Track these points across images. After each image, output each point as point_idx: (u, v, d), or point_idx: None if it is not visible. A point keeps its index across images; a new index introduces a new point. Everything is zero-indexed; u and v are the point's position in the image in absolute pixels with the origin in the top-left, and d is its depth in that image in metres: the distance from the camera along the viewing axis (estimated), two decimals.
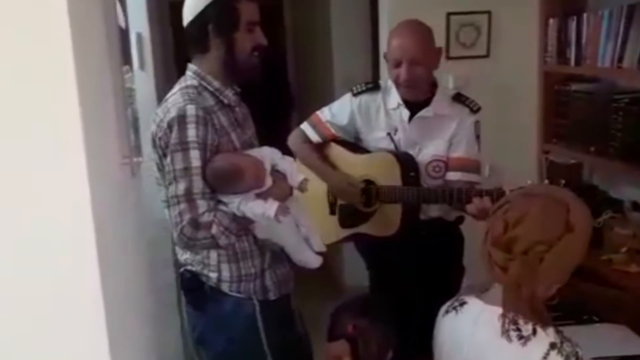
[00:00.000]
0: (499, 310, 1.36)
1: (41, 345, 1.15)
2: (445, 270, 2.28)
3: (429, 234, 2.21)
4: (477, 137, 2.20)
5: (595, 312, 2.13)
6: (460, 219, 2.33)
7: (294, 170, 1.76)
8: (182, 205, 1.62)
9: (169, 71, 2.96)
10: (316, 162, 2.30)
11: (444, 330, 1.50)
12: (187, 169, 1.63)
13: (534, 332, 1.32)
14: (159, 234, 2.74)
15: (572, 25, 2.73)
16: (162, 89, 2.73)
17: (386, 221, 2.21)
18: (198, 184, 1.63)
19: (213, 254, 1.75)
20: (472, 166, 2.19)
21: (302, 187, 1.76)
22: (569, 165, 2.81)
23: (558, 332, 1.34)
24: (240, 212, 1.66)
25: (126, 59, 1.96)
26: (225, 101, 1.76)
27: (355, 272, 2.80)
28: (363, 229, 2.28)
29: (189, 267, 1.81)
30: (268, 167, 1.72)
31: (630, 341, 1.99)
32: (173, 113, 1.64)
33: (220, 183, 1.65)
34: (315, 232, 1.86)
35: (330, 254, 1.94)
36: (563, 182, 1.90)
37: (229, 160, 1.65)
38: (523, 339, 1.32)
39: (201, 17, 1.71)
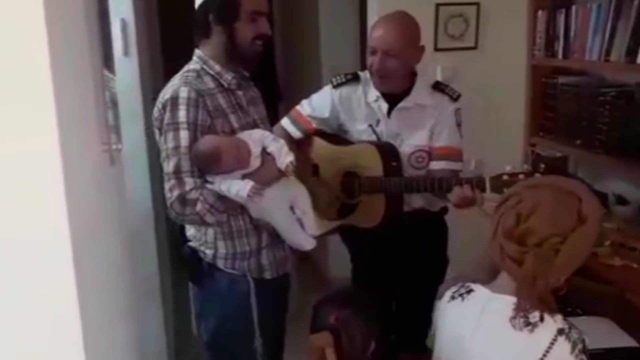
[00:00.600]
0: (506, 298, 1.37)
1: (12, 345, 1.11)
2: (429, 262, 2.28)
3: (412, 226, 2.19)
4: (459, 124, 2.19)
5: (579, 305, 2.13)
6: (445, 210, 2.32)
7: (283, 152, 1.78)
8: (172, 182, 1.70)
9: (155, 58, 2.91)
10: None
11: (448, 316, 1.50)
12: (177, 148, 1.70)
13: (542, 318, 1.33)
14: (143, 224, 2.72)
15: (561, 18, 2.73)
16: (147, 76, 2.69)
17: (370, 212, 2.19)
18: (186, 163, 1.70)
19: (210, 231, 1.82)
20: (455, 155, 2.18)
21: (286, 171, 1.77)
22: (555, 159, 2.81)
23: (565, 319, 1.35)
24: (221, 191, 1.71)
25: (106, 47, 1.93)
26: (225, 85, 1.81)
27: (340, 264, 2.79)
28: (348, 220, 2.27)
29: (190, 244, 1.88)
30: (256, 149, 1.75)
31: (614, 334, 2.00)
32: (168, 95, 1.73)
33: (202, 164, 1.71)
34: (310, 214, 1.89)
35: (315, 245, 1.93)
36: (543, 166, 1.90)
37: (208, 143, 1.70)
38: (530, 325, 1.33)
39: (205, 5, 1.78)
